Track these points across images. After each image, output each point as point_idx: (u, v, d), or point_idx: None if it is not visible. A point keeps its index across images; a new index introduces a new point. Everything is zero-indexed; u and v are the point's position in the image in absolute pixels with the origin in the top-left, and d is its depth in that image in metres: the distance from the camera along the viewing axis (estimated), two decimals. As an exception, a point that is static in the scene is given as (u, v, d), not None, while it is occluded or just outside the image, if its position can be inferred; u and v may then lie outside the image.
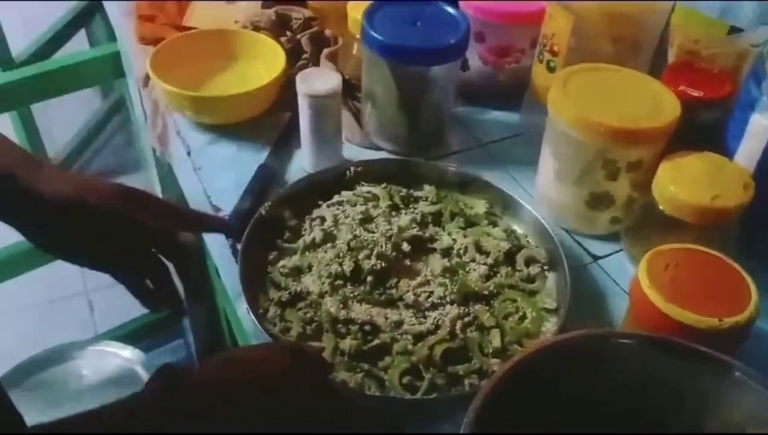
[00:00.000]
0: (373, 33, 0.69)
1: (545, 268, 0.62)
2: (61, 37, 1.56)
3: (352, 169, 0.70)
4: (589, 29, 0.68)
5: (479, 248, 0.63)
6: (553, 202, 0.69)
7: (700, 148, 0.62)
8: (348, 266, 0.59)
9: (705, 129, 0.64)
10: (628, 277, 0.63)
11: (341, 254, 0.60)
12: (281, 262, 0.62)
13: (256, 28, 0.86)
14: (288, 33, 0.85)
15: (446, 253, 0.63)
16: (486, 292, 0.59)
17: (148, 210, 0.54)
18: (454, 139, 0.80)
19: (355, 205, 0.66)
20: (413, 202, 0.68)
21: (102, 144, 1.99)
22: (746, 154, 0.61)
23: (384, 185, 0.69)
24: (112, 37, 1.59)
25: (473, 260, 0.62)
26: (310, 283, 0.60)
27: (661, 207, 0.60)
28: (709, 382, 0.43)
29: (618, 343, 0.45)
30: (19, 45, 1.63)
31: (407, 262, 0.62)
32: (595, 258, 0.67)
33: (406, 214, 0.66)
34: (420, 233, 0.64)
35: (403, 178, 0.70)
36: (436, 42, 0.70)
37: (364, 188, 0.68)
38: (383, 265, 0.60)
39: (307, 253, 0.62)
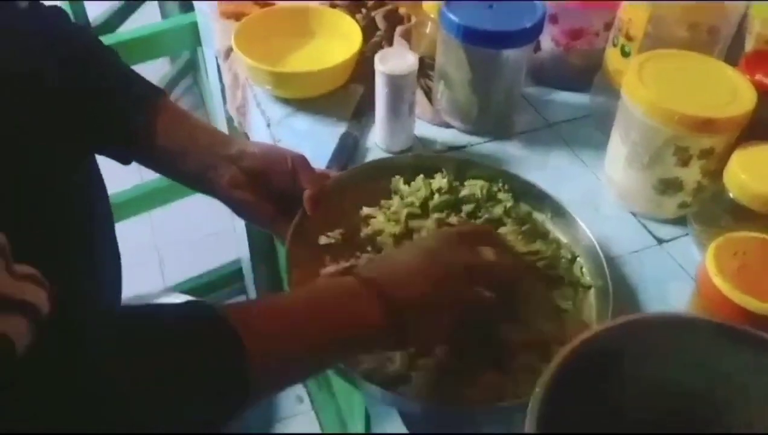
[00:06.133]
0: (450, 15, 0.71)
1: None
2: (134, 6, 1.62)
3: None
4: (666, 15, 0.68)
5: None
6: (621, 185, 0.70)
7: (774, 139, 0.62)
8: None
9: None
10: (692, 262, 0.65)
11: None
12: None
13: (333, 5, 0.88)
14: (363, 10, 0.88)
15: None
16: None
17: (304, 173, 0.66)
18: (523, 119, 0.82)
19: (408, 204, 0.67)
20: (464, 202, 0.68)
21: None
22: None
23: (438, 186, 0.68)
24: (184, 8, 1.64)
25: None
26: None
27: (731, 194, 0.61)
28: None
29: (691, 327, 0.46)
30: (91, 12, 1.71)
31: None
32: (660, 241, 0.69)
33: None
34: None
35: (456, 171, 0.70)
36: (511, 26, 0.71)
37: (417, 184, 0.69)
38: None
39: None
